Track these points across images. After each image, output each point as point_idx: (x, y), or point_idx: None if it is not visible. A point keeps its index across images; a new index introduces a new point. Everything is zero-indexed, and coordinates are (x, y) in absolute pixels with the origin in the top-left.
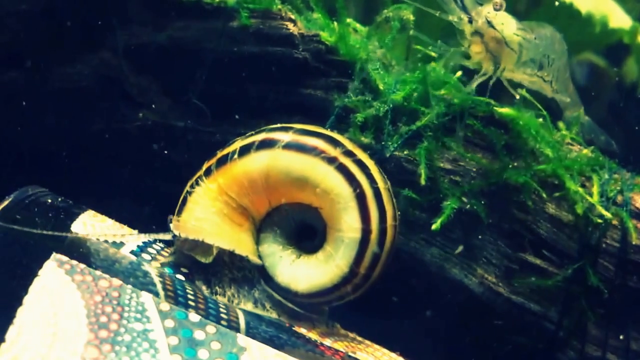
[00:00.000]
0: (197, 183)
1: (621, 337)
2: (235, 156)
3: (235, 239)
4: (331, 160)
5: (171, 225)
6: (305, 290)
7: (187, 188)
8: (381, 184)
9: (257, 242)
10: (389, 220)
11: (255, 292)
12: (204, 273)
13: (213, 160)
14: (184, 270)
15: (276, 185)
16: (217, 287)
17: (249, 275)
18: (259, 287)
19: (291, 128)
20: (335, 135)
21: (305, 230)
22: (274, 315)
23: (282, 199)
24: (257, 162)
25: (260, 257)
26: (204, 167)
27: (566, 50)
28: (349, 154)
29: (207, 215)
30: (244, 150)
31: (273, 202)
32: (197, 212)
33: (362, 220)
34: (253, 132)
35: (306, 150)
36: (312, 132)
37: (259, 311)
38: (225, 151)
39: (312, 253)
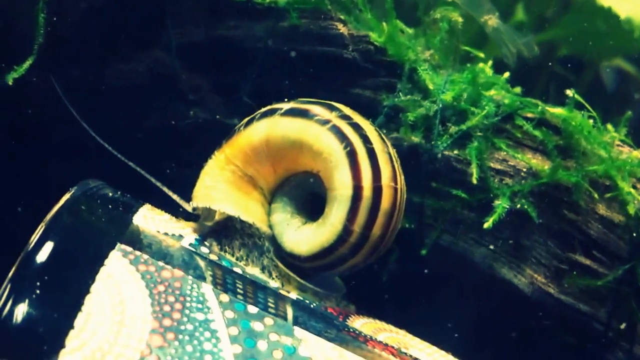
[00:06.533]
0: (210, 156)
1: None
2: (241, 127)
3: (242, 206)
4: (324, 122)
5: None
6: (305, 252)
7: (204, 163)
8: (378, 146)
9: (269, 213)
10: (386, 180)
11: (264, 260)
12: (217, 235)
13: (227, 136)
14: (198, 236)
15: (276, 151)
16: (227, 247)
17: (259, 242)
18: (268, 255)
19: (294, 100)
20: (336, 104)
21: (316, 201)
22: (278, 284)
23: (285, 167)
24: (258, 130)
25: (271, 227)
26: (220, 143)
27: None
28: (344, 117)
29: (215, 183)
30: (249, 122)
31: (278, 170)
32: (207, 181)
33: (353, 176)
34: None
35: (302, 115)
36: (312, 101)
37: (265, 277)
38: (237, 126)
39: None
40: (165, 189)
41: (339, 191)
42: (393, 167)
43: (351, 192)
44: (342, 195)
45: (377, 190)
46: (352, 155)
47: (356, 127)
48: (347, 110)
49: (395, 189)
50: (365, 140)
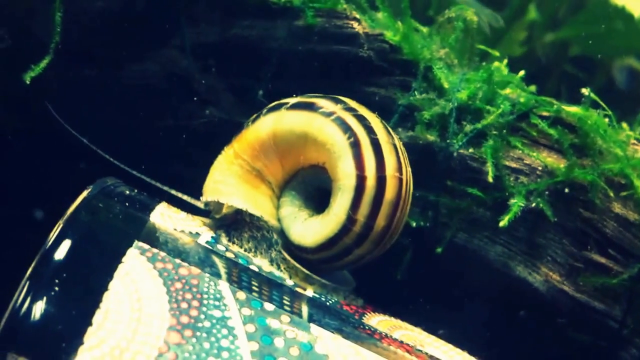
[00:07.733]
0: (220, 152)
1: None
2: (249, 123)
3: (251, 200)
4: (329, 114)
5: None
6: (311, 243)
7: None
8: (383, 137)
9: (278, 207)
10: (390, 171)
11: (272, 252)
12: (227, 228)
13: (236, 132)
14: (214, 234)
15: (283, 144)
16: (235, 239)
17: (268, 235)
18: (276, 247)
19: (301, 95)
20: (342, 97)
21: (324, 196)
22: (286, 276)
23: (293, 161)
24: (265, 125)
25: (279, 220)
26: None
27: None
28: (349, 109)
29: (224, 177)
30: (256, 117)
31: (286, 164)
32: (216, 175)
33: (357, 166)
34: None
35: (307, 108)
36: (318, 95)
37: (273, 269)
38: (245, 122)
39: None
40: (173, 192)
41: (343, 181)
42: (398, 158)
43: (354, 181)
44: (346, 185)
45: (381, 180)
46: (355, 146)
47: (360, 119)
48: (352, 103)
49: (400, 180)
50: (370, 131)
